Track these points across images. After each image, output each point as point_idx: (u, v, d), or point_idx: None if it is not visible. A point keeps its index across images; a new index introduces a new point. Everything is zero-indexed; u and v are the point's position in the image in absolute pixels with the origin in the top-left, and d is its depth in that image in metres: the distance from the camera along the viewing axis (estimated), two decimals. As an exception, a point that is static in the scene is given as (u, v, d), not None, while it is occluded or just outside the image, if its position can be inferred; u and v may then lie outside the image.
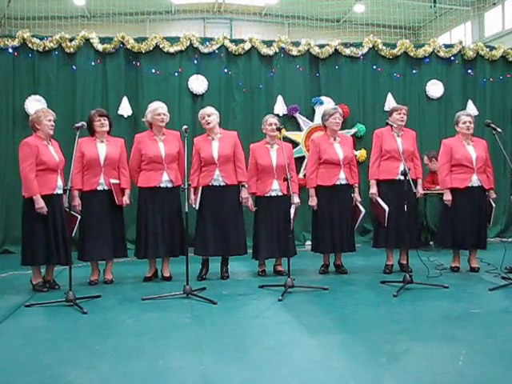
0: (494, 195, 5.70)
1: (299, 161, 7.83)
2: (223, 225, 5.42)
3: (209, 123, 5.45)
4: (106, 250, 5.27)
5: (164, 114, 5.38)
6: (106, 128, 5.28)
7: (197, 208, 5.36)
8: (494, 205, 5.65)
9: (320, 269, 5.81)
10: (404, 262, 5.42)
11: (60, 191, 4.98)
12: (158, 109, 5.36)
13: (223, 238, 5.43)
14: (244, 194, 5.52)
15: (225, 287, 5.16)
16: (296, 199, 5.39)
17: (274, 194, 5.57)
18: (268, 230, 5.55)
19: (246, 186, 5.53)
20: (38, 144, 4.90)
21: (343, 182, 5.61)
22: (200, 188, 5.38)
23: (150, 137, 5.43)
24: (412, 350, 3.34)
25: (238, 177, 5.49)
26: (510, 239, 8.00)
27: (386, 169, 5.60)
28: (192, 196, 5.31)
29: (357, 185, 5.73)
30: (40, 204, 4.78)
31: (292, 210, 5.17)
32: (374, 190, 5.62)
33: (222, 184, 5.44)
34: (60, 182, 5.00)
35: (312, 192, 5.67)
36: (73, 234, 4.87)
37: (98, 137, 5.28)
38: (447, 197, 5.63)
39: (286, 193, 5.46)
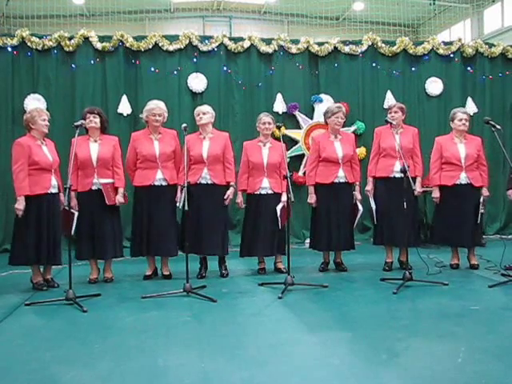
0: (486, 193, 5.69)
1: (299, 159, 7.84)
2: (205, 224, 5.38)
3: (201, 120, 5.45)
4: (103, 250, 5.27)
5: (159, 115, 5.36)
6: (94, 125, 5.24)
7: (180, 207, 5.23)
8: (481, 202, 5.60)
9: (320, 266, 5.81)
10: (404, 259, 5.42)
11: (54, 190, 4.99)
12: (154, 109, 5.35)
13: (203, 237, 5.38)
14: (230, 193, 5.47)
15: (224, 285, 5.17)
16: (284, 197, 5.37)
17: (263, 191, 5.57)
18: (257, 228, 5.56)
19: (234, 186, 5.53)
20: (31, 144, 4.89)
21: (342, 180, 5.61)
22: (185, 188, 5.30)
23: (145, 135, 5.43)
24: (412, 347, 3.34)
25: (226, 177, 5.48)
26: (509, 236, 7.99)
27: (382, 166, 5.65)
28: (178, 194, 5.30)
29: (358, 183, 5.73)
30: (20, 205, 4.77)
31: (278, 208, 5.17)
32: (369, 187, 5.69)
33: (210, 183, 5.42)
34: (54, 182, 4.99)
35: (311, 189, 5.68)
36: (72, 232, 4.87)
37: (91, 135, 5.28)
38: (435, 194, 5.71)
39: (276, 191, 5.49)
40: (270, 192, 5.56)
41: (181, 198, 5.20)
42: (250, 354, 3.25)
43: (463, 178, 5.62)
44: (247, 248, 5.65)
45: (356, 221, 5.67)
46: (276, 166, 5.53)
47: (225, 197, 5.45)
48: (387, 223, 5.54)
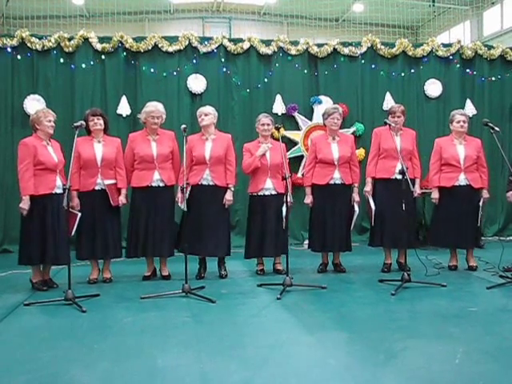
0: (486, 195, 5.69)
1: (298, 160, 7.85)
2: (207, 225, 5.39)
3: (203, 121, 5.46)
4: (103, 250, 5.29)
5: (158, 118, 5.37)
6: (99, 127, 5.30)
7: (184, 209, 5.21)
8: (480, 204, 5.60)
9: (318, 267, 5.82)
10: (402, 260, 5.43)
11: (59, 191, 4.99)
12: (153, 112, 5.36)
13: (204, 238, 5.38)
14: (228, 196, 5.47)
15: (223, 286, 5.17)
16: (289, 198, 5.37)
17: (267, 192, 5.58)
18: (261, 229, 5.56)
19: (233, 188, 5.51)
20: (37, 144, 4.92)
21: (338, 181, 5.61)
22: (189, 189, 5.27)
23: (142, 136, 5.45)
24: (410, 348, 3.35)
25: (226, 179, 5.47)
26: (507, 238, 8.01)
27: (382, 167, 5.64)
28: (179, 194, 5.25)
29: (356, 185, 5.73)
30: (25, 205, 4.80)
31: (284, 209, 5.18)
32: (368, 187, 5.67)
33: (211, 184, 5.43)
34: (59, 182, 5.01)
35: (308, 190, 5.70)
36: (73, 233, 4.89)
37: (95, 136, 5.31)
38: (434, 195, 5.72)
39: (279, 191, 5.49)
40: (273, 193, 5.56)
41: (182, 199, 5.19)
42: (249, 355, 3.26)
43: (462, 180, 5.63)
44: (254, 249, 5.63)
45: (352, 223, 5.68)
46: (278, 166, 5.52)
47: (223, 201, 5.44)
48: (388, 225, 5.51)
